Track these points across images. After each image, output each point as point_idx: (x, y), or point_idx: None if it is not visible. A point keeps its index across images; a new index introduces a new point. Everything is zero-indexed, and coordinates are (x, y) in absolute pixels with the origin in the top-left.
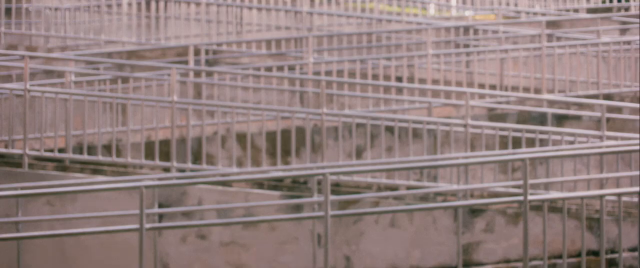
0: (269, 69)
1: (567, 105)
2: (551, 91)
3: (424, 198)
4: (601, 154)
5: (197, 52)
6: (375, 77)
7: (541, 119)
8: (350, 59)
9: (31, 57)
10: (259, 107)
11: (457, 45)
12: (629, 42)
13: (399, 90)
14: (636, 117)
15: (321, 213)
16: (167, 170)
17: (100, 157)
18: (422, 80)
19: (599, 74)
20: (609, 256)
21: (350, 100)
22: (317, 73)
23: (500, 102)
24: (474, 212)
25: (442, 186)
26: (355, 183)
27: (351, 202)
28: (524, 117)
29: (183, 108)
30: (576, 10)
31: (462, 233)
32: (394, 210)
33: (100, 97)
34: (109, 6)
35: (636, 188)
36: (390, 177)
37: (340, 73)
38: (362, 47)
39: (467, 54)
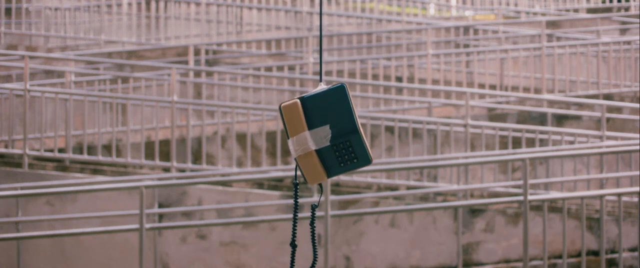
0: (269, 69)
1: (567, 105)
2: (551, 91)
3: (424, 198)
4: (601, 154)
5: (197, 52)
6: (375, 77)
7: (541, 119)
8: (350, 59)
9: (31, 57)
10: (259, 107)
11: (457, 45)
12: (629, 42)
13: (399, 90)
14: (636, 117)
15: (321, 213)
16: (167, 170)
17: (100, 157)
18: (422, 80)
19: (599, 74)
20: (609, 256)
21: None
22: (317, 73)
23: (500, 102)
24: (474, 212)
25: (442, 186)
26: (355, 183)
27: (351, 202)
28: (524, 117)
29: (183, 108)
30: (576, 10)
31: (462, 233)
32: (394, 210)
33: (100, 97)
34: (109, 6)
35: (636, 188)
36: (390, 177)
37: (340, 73)
38: (362, 47)
39: (467, 54)
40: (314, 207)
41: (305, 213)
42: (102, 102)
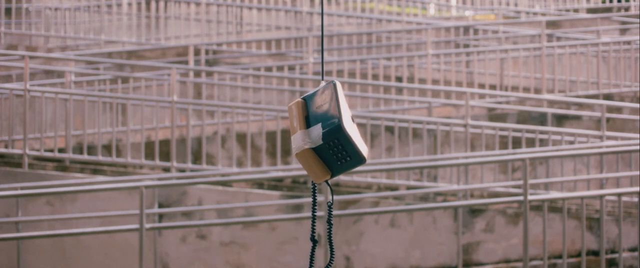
0: (269, 69)
1: (567, 105)
2: (551, 91)
3: (424, 198)
4: (601, 154)
5: (197, 52)
6: (375, 77)
7: (541, 119)
8: (350, 59)
9: (31, 57)
10: (259, 107)
11: (457, 45)
12: (629, 42)
13: (399, 90)
14: (636, 117)
15: (321, 213)
16: (167, 170)
17: (100, 157)
18: (422, 80)
19: (599, 74)
20: (609, 256)
21: (350, 100)
22: (317, 73)
23: (500, 102)
24: (474, 212)
25: (442, 186)
26: (355, 183)
27: (351, 202)
28: (524, 117)
29: (183, 108)
30: (576, 10)
31: (462, 233)
32: (394, 210)
33: (100, 97)
34: (109, 6)
35: (636, 188)
36: (390, 177)
37: (340, 73)
38: (362, 47)
39: (467, 54)
40: (329, 205)
41: (305, 214)
42: (102, 102)
